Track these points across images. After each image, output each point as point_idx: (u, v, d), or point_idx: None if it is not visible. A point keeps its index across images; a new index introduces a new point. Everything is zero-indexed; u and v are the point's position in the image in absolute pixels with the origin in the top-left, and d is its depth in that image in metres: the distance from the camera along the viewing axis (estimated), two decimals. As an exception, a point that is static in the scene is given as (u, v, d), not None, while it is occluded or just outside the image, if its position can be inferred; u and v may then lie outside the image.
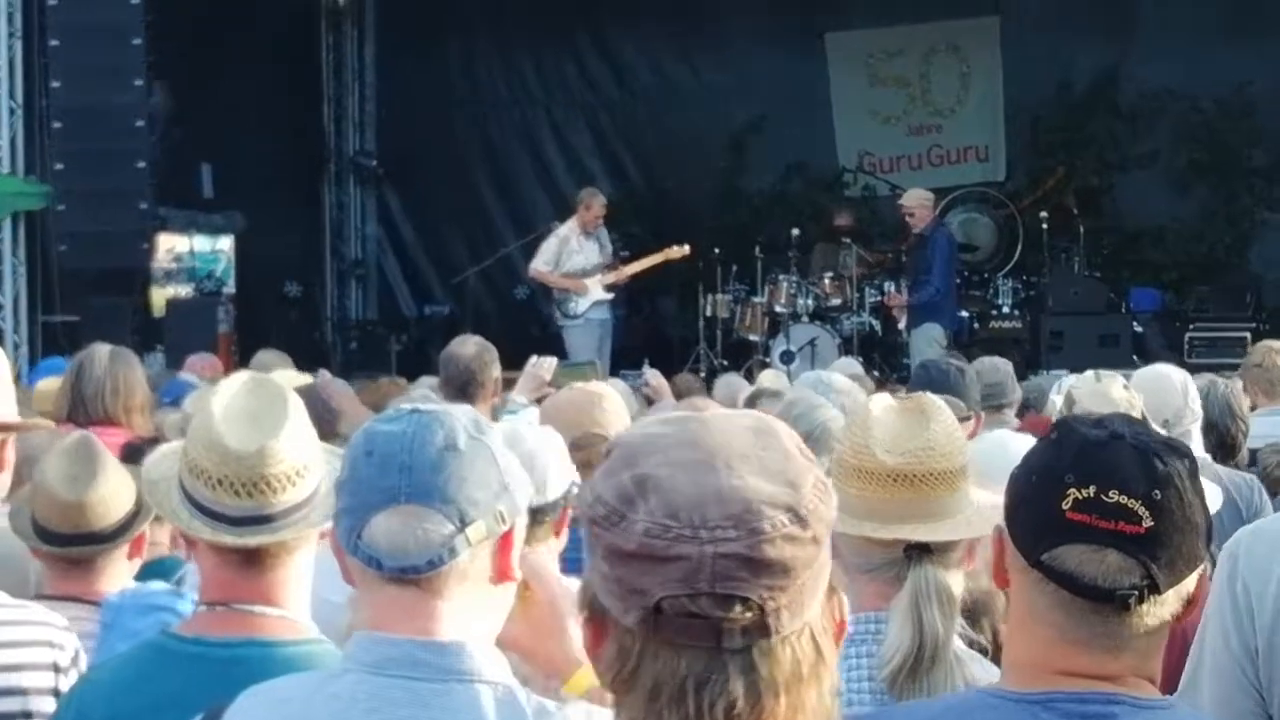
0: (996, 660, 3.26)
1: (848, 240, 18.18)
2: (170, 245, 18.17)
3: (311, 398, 5.10)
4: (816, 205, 20.47)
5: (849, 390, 7.00)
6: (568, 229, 16.90)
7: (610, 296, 16.84)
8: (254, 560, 3.09)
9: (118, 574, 4.20)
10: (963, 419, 6.00)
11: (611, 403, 5.01)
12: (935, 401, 3.33)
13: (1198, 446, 6.05)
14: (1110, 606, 2.30)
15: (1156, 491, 2.29)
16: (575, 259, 16.73)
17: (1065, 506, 2.30)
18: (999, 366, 8.56)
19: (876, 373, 14.93)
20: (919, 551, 3.17)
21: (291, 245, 20.09)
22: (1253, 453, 6.95)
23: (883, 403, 3.32)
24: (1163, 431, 5.27)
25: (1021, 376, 10.14)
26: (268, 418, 3.08)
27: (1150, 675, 2.39)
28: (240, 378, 3.22)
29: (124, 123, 14.86)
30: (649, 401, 9.45)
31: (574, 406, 4.82)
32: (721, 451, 1.81)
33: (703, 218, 20.62)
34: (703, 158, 21.04)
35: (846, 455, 3.28)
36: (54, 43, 14.71)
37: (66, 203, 14.75)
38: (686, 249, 17.41)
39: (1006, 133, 21.28)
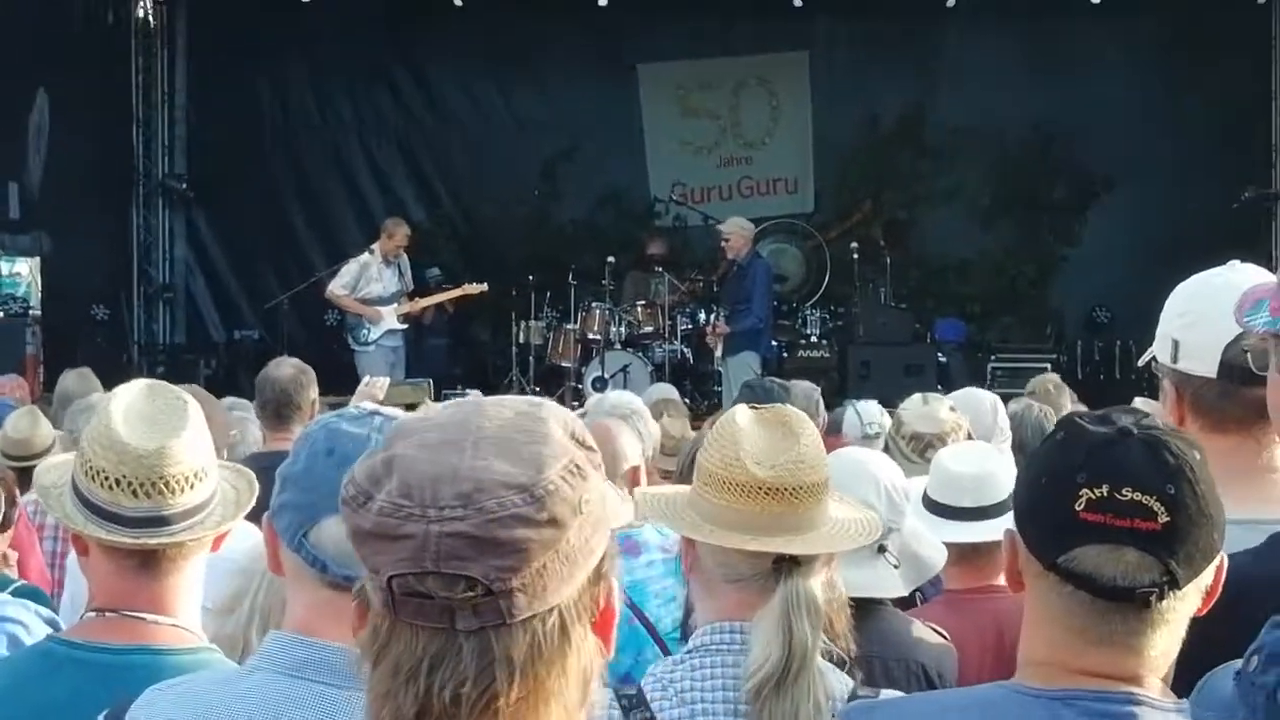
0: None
1: (660, 269, 18.33)
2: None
3: None
4: (629, 234, 20.60)
5: (632, 410, 7.06)
6: (368, 256, 16.88)
7: (404, 327, 16.84)
8: (148, 565, 3.05)
9: (-33, 586, 4.13)
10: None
11: None
12: (799, 415, 3.31)
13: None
14: (1131, 605, 2.28)
15: (1170, 486, 2.27)
16: (373, 286, 16.73)
17: (1079, 507, 2.26)
18: (809, 391, 8.74)
19: (688, 400, 15.02)
20: (789, 563, 3.16)
21: (99, 267, 19.78)
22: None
23: (746, 415, 3.32)
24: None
25: (830, 405, 10.32)
26: (167, 421, 3.06)
27: (1165, 677, 2.37)
28: (138, 384, 3.18)
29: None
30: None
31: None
32: (473, 433, 1.78)
33: (515, 245, 20.70)
34: (515, 185, 21.09)
35: (714, 467, 3.25)
36: None
37: None
38: (483, 286, 17.40)
39: (815, 165, 21.59)
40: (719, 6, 20.43)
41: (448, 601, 1.72)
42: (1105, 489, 2.26)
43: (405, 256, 17.06)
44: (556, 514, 1.75)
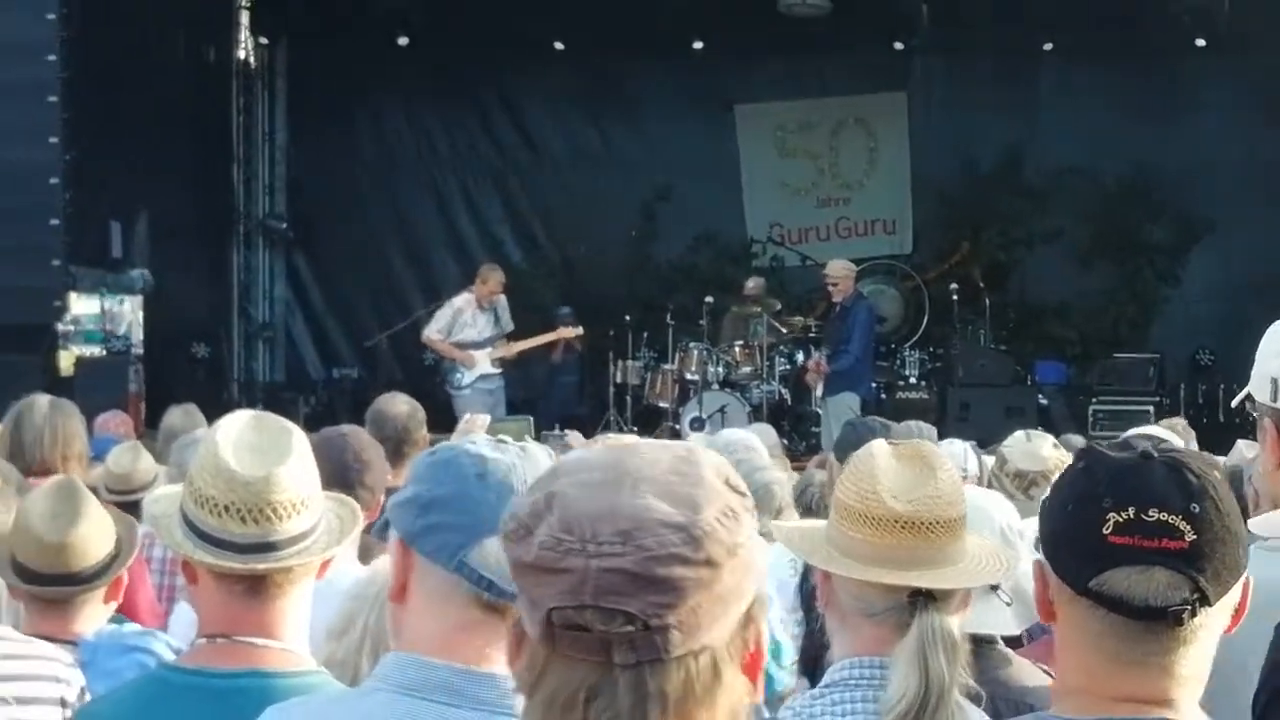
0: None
1: (758, 309, 18.32)
2: (77, 304, 18.00)
3: (340, 447, 5.07)
4: (726, 274, 20.61)
5: (747, 447, 6.99)
6: (463, 300, 16.97)
7: (498, 371, 16.87)
8: (256, 590, 3.10)
9: (94, 615, 4.18)
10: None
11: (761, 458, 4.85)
12: (936, 450, 3.32)
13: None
14: (1164, 624, 2.30)
15: (1194, 505, 2.29)
16: (467, 331, 16.80)
17: (1106, 531, 2.29)
18: (923, 429, 8.67)
19: (785, 441, 14.97)
20: (924, 598, 3.15)
21: (199, 306, 19.97)
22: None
23: (884, 449, 3.32)
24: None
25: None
26: (273, 449, 3.11)
27: (1199, 698, 2.40)
28: (244, 414, 3.25)
29: (38, 180, 14.78)
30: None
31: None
32: (632, 474, 1.83)
33: (612, 285, 20.73)
34: (613, 225, 21.16)
35: (851, 500, 3.24)
36: (-31, 100, 14.64)
37: (-21, 259, 14.64)
38: (579, 330, 17.52)
39: (913, 206, 21.55)
40: (817, 48, 20.43)
41: (605, 635, 1.77)
42: (1132, 511, 2.29)
43: (503, 299, 17.12)
44: (712, 555, 1.79)
